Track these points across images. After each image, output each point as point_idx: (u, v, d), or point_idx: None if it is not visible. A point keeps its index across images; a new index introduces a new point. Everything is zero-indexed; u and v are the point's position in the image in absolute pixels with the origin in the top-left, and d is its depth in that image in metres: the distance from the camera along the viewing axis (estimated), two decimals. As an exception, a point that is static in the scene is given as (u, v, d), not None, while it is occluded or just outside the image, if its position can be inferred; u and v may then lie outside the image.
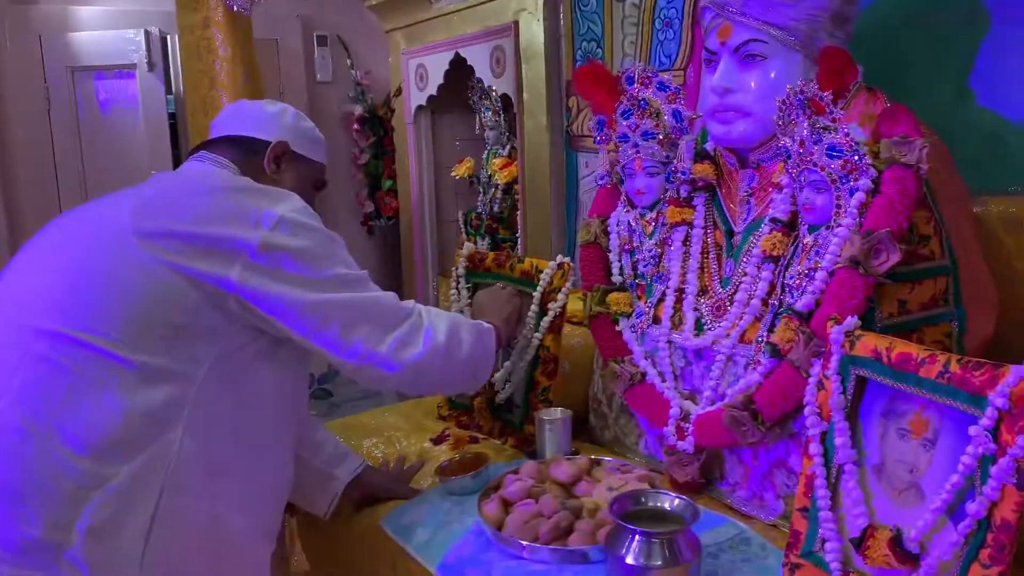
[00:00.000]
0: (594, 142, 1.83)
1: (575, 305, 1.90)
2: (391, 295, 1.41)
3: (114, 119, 3.84)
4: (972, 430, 1.01)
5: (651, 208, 1.76)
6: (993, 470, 0.98)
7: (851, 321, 1.23)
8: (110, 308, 1.23)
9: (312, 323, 1.29)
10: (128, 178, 1.45)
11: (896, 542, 1.08)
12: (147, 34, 3.74)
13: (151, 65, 3.78)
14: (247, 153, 1.49)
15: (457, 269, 2.05)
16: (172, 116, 3.98)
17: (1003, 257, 1.57)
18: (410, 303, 1.44)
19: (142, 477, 1.21)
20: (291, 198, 1.34)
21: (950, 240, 1.41)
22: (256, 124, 1.52)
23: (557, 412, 1.75)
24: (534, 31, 2.87)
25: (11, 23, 3.66)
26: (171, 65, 3.89)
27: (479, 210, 3.62)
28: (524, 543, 1.35)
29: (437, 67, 3.47)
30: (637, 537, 1.20)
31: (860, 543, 1.13)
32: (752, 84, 1.54)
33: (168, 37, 3.83)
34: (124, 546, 1.19)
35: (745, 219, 1.61)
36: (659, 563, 1.19)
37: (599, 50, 2.69)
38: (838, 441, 1.20)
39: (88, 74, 3.74)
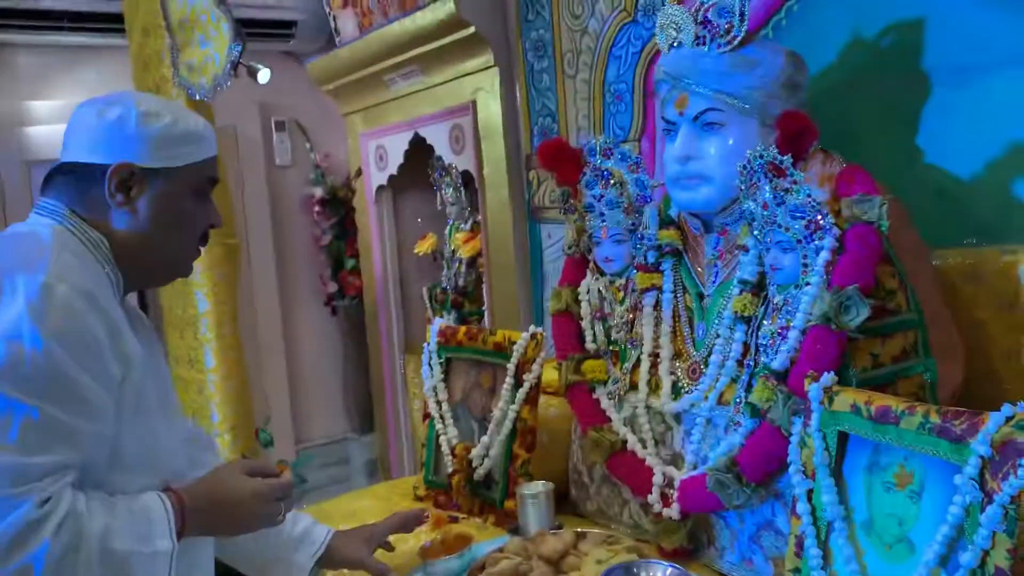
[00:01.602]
0: (560, 213, 1.86)
1: (549, 375, 1.90)
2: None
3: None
4: (957, 479, 1.02)
5: (620, 275, 1.79)
6: (982, 518, 0.99)
7: (828, 377, 1.25)
8: None
9: None
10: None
11: (892, 598, 1.07)
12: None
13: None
14: (85, 185, 1.22)
15: (429, 344, 2.04)
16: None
17: (964, 307, 1.61)
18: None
19: None
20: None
21: (915, 293, 1.44)
22: (90, 143, 1.23)
23: (539, 485, 1.72)
24: (492, 109, 2.93)
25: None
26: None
27: (444, 285, 3.62)
28: (516, 623, 1.31)
29: (396, 147, 3.52)
30: (632, 609, 1.18)
31: (856, 601, 1.12)
32: (712, 151, 1.58)
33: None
34: None
35: (714, 282, 1.64)
36: (656, 635, 1.17)
37: (555, 125, 2.76)
38: (825, 498, 1.20)
39: (44, 167, 3.72)
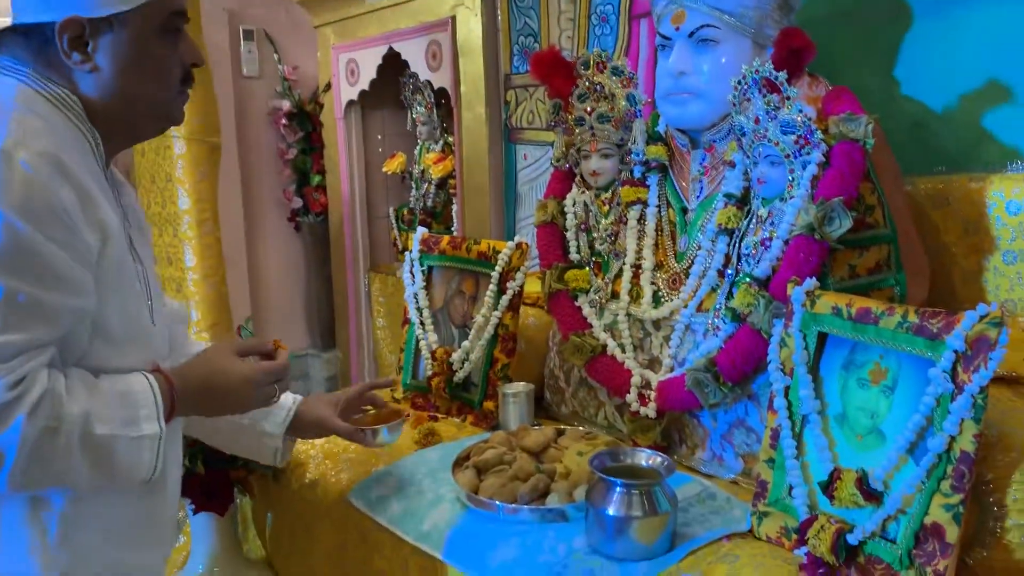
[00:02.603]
0: (549, 126, 1.89)
1: (528, 287, 1.95)
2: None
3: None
4: (931, 372, 1.11)
5: (606, 189, 1.83)
6: (952, 407, 1.08)
7: (811, 281, 1.32)
8: None
9: None
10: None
11: (863, 481, 1.16)
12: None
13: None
14: (40, 46, 1.10)
15: (411, 252, 2.07)
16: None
17: (932, 231, 1.70)
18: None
19: None
20: None
21: (890, 211, 1.52)
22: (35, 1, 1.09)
23: (520, 386, 1.79)
24: (471, 26, 2.91)
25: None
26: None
27: (411, 205, 3.63)
28: (504, 504, 1.38)
29: (369, 62, 3.47)
30: (618, 489, 1.26)
31: (828, 485, 1.21)
32: (705, 67, 1.62)
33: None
34: None
35: (698, 196, 1.70)
36: (639, 514, 1.25)
37: (536, 45, 2.76)
38: (802, 393, 1.28)
39: None
